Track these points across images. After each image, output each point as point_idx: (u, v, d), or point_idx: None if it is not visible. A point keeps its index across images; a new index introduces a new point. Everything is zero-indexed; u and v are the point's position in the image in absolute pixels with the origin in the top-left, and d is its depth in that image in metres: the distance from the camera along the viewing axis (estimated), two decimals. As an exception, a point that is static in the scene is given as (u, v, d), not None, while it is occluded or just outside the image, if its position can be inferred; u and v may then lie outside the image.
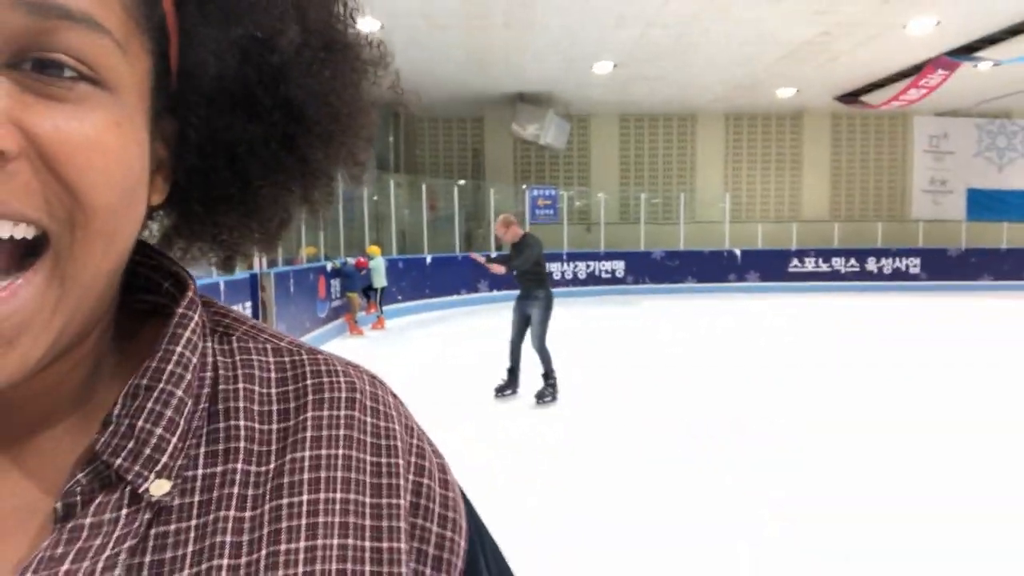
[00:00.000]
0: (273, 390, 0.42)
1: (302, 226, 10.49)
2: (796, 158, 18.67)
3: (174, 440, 0.38)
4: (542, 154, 18.00)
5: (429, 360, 8.48)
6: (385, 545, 0.39)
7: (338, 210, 11.96)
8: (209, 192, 0.43)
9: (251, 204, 0.44)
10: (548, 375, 6.09)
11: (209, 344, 0.42)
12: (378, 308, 11.08)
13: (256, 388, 0.41)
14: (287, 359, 0.43)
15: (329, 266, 10.40)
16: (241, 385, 0.41)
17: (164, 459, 0.37)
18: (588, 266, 16.59)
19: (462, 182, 16.34)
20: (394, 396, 0.46)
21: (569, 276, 16.37)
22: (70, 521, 0.35)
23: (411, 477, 0.42)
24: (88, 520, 0.35)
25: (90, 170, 0.32)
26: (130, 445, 0.37)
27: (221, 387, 0.41)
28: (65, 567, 0.34)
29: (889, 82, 14.09)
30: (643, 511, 3.81)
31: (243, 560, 0.36)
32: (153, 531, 0.36)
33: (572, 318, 12.40)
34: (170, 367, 0.39)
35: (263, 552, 0.37)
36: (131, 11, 0.34)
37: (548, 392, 6.07)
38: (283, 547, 0.37)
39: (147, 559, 0.35)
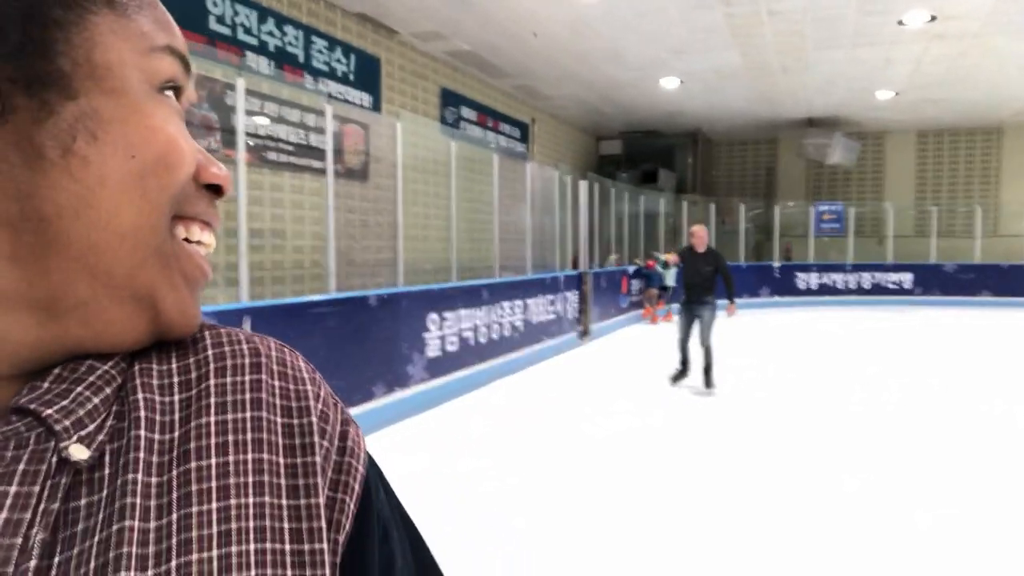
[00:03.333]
0: (174, 365, 0.43)
1: (611, 238, 13.69)
2: (1122, 169, 17.56)
3: (104, 414, 0.39)
4: (835, 171, 19.25)
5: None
6: (303, 502, 0.40)
7: (639, 224, 14.99)
8: None
9: None
10: (710, 368, 7.13)
11: None
12: (666, 304, 13.90)
13: (154, 366, 0.42)
14: (187, 337, 0.44)
15: (631, 268, 13.46)
16: (136, 366, 0.42)
17: (91, 427, 0.38)
18: (873, 277, 17.58)
19: (749, 202, 18.39)
20: (305, 361, 0.46)
21: (853, 286, 17.54)
22: None
23: (325, 428, 0.44)
24: (3, 470, 0.36)
25: None
26: (64, 403, 0.38)
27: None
28: None
29: None
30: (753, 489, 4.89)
31: (152, 524, 0.37)
32: (71, 504, 0.37)
33: (837, 322, 13.99)
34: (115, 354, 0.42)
35: (174, 516, 0.37)
36: None
37: (711, 382, 7.12)
38: (195, 509, 0.37)
39: (59, 536, 0.36)
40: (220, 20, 7.09)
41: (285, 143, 7.62)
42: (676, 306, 14.19)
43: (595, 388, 7.66)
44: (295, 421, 0.42)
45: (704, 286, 7.09)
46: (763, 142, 19.93)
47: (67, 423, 0.37)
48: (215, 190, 0.45)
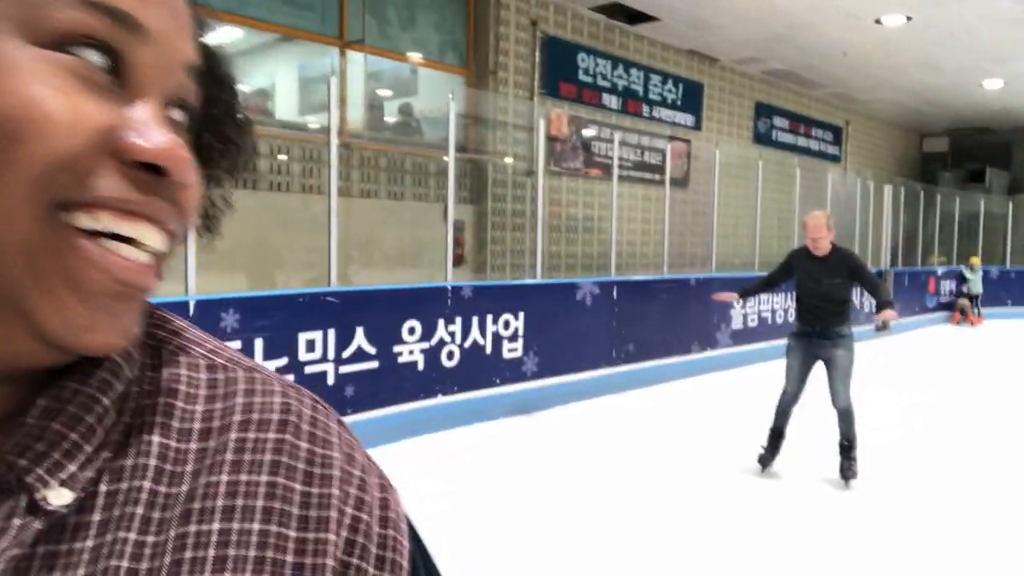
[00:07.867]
0: (199, 407, 0.39)
1: (919, 239, 14.11)
2: None
3: (88, 449, 0.35)
4: None
5: (971, 352, 11.34)
6: None
7: (956, 226, 15.05)
8: None
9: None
10: (852, 445, 4.51)
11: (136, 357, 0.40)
12: (974, 308, 14.03)
13: (179, 404, 0.39)
14: (221, 376, 0.41)
15: (940, 270, 13.88)
16: (161, 400, 0.39)
17: (72, 467, 0.34)
18: None
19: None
20: (339, 423, 0.43)
21: None
22: None
23: (348, 511, 0.39)
24: None
25: (196, 194, 0.37)
26: (38, 447, 0.34)
27: (141, 402, 0.38)
28: None
29: None
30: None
31: None
32: (42, 549, 0.33)
33: None
34: (100, 372, 0.37)
35: None
36: None
37: (852, 468, 4.50)
38: None
39: None
40: (586, 72, 9.59)
41: (626, 160, 9.94)
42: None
43: (875, 377, 8.81)
44: (315, 490, 0.39)
45: (829, 309, 4.52)
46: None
47: (39, 471, 0.33)
48: (157, 171, 0.34)
